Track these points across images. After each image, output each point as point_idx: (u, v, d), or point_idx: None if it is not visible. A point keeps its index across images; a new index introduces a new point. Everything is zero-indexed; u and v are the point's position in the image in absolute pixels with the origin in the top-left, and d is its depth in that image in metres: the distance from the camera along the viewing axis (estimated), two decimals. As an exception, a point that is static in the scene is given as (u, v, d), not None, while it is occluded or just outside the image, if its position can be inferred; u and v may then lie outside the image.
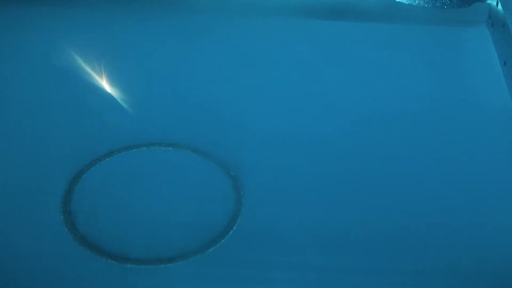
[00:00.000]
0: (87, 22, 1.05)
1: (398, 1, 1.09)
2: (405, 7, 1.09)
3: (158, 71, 0.97)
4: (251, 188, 0.79)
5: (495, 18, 1.05)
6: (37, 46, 1.00)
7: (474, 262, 0.72)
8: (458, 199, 0.79)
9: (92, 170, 0.80)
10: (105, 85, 0.93)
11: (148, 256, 0.71)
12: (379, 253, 0.73)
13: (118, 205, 0.77)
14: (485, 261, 0.72)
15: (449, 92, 0.95)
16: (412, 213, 0.77)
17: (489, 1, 1.07)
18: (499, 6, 1.04)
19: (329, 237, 0.74)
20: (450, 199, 0.79)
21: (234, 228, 0.74)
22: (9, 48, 1.00)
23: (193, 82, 0.95)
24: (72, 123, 0.87)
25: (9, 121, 0.88)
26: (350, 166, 0.83)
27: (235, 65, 0.98)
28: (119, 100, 0.91)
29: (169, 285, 0.70)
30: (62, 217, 0.75)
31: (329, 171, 0.82)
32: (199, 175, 0.81)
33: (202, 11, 1.07)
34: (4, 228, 0.74)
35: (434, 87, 0.96)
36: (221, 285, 0.70)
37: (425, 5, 1.09)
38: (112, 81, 0.94)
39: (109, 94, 0.92)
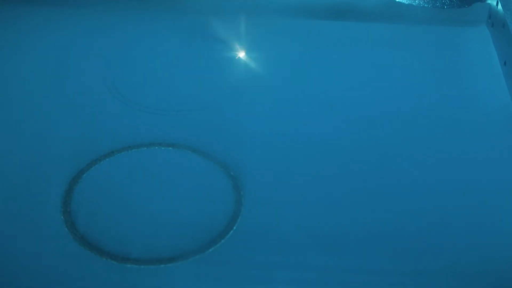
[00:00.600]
0: (87, 22, 1.05)
1: (398, 1, 1.09)
2: (405, 7, 1.09)
3: (158, 71, 0.97)
4: (251, 188, 0.79)
5: (495, 18, 1.05)
6: (37, 46, 1.01)
7: (474, 262, 0.72)
8: (458, 199, 0.79)
9: (92, 170, 0.80)
10: (105, 85, 0.93)
11: (148, 256, 0.71)
12: (379, 253, 0.73)
13: (118, 205, 0.76)
14: (485, 261, 0.72)
15: (449, 92, 0.95)
16: (412, 213, 0.77)
17: (489, 1, 1.07)
18: (499, 6, 1.04)
19: (329, 237, 0.74)
20: (450, 199, 0.79)
21: (234, 228, 0.74)
22: (9, 48, 1.00)
23: (193, 82, 0.95)
24: (72, 123, 0.87)
25: (9, 121, 0.88)
26: (350, 166, 0.83)
27: (235, 65, 0.98)
28: (119, 100, 0.91)
29: (169, 285, 0.70)
30: (62, 217, 0.75)
31: (329, 171, 0.82)
32: (199, 175, 0.81)
33: (202, 11, 1.07)
34: (4, 228, 0.73)
35: (434, 87, 0.96)
36: (221, 285, 0.70)
37: (425, 5, 1.09)
38: (112, 81, 0.94)
39: (109, 94, 0.92)
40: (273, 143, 0.85)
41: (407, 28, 1.08)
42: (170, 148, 0.84)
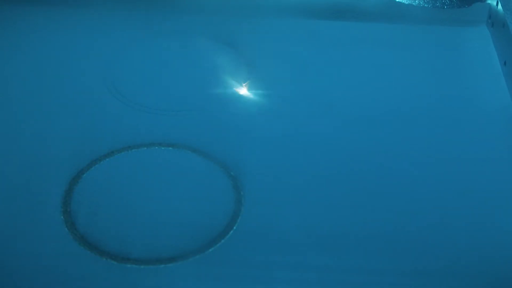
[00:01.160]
0: (87, 22, 1.05)
1: (398, 1, 1.09)
2: (405, 7, 1.09)
3: (158, 71, 0.97)
4: (251, 188, 0.79)
5: (495, 18, 1.05)
6: (37, 46, 1.01)
7: (474, 262, 0.72)
8: (458, 199, 0.79)
9: (92, 170, 0.80)
10: (105, 85, 0.93)
11: (148, 256, 0.71)
12: (379, 253, 0.73)
13: (118, 205, 0.76)
14: (485, 261, 0.72)
15: (449, 92, 0.95)
16: (412, 213, 0.77)
17: (489, 1, 1.07)
18: (499, 6, 1.04)
19: (329, 237, 0.74)
20: (450, 199, 0.79)
21: (234, 228, 0.74)
22: (9, 48, 1.00)
23: (193, 82, 0.95)
24: (72, 123, 0.87)
25: (9, 121, 0.88)
26: (350, 166, 0.83)
27: (235, 65, 0.98)
28: (119, 100, 0.91)
29: (169, 285, 0.70)
30: (62, 217, 0.75)
31: (329, 171, 0.82)
32: (199, 175, 0.81)
33: (202, 11, 1.07)
34: (4, 228, 0.73)
35: (434, 87, 0.96)
36: (221, 285, 0.70)
37: (425, 5, 1.09)
38: (112, 81, 0.94)
39: (109, 94, 0.92)
40: (273, 143, 0.85)
41: (407, 28, 1.07)
42: (170, 148, 0.84)
